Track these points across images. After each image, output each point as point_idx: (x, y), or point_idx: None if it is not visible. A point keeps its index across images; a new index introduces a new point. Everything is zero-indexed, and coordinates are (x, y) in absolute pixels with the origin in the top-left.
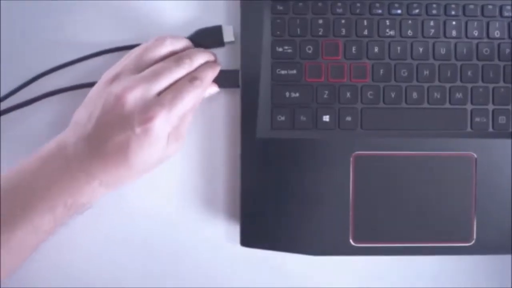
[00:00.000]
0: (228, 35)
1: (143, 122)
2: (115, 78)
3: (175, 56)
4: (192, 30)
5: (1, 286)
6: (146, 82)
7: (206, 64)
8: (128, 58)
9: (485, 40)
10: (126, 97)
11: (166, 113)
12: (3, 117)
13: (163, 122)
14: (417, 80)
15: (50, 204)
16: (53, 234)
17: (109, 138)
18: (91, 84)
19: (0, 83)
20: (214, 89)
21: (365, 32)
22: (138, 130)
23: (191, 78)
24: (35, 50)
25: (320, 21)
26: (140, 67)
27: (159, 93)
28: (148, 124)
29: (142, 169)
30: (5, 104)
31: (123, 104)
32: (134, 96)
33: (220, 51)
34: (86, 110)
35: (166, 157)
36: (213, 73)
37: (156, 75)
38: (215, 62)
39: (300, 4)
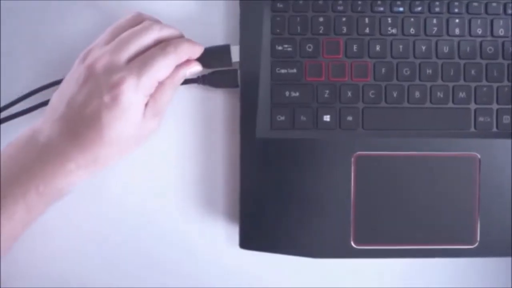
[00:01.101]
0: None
1: (110, 89)
2: (87, 54)
3: (144, 23)
4: (191, 30)
5: (1, 286)
6: (113, 49)
7: (183, 38)
8: (102, 35)
9: (489, 38)
10: (95, 67)
11: (135, 79)
12: (3, 125)
13: (132, 88)
14: (420, 79)
15: (21, 190)
16: (29, 224)
17: (81, 113)
18: None
19: (1, 91)
20: (197, 67)
21: (367, 30)
22: (106, 98)
23: (163, 45)
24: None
25: (321, 19)
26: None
27: (129, 61)
28: (115, 90)
29: (118, 145)
30: (6, 113)
31: (91, 75)
32: (102, 65)
33: None
34: (61, 92)
35: (145, 134)
36: (189, 44)
37: (124, 42)
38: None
39: (301, 2)
